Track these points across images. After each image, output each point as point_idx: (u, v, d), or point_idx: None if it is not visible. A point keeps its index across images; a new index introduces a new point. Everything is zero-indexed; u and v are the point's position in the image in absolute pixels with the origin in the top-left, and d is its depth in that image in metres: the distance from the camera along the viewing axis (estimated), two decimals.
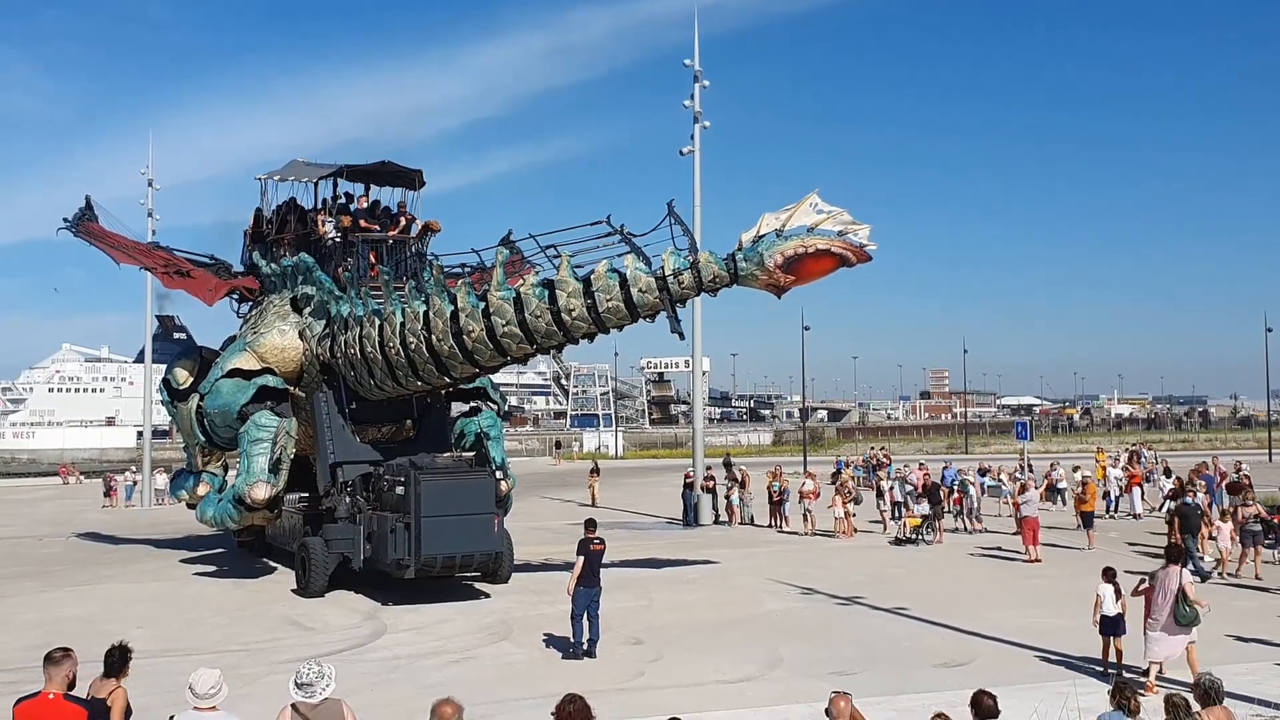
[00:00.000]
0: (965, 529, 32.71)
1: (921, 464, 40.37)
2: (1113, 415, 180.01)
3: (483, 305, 21.53)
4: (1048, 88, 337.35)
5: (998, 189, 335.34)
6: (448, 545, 21.67)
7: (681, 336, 21.34)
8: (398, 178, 28.51)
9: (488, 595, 22.85)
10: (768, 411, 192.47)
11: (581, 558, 17.27)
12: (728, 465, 39.20)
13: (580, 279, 20.75)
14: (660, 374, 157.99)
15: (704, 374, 49.30)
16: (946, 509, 32.68)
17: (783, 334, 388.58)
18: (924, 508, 31.16)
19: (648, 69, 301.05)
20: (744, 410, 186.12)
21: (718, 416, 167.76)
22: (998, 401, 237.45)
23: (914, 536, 30.40)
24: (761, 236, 19.64)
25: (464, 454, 24.53)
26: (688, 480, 37.26)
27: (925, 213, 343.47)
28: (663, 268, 20.25)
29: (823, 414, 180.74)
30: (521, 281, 21.60)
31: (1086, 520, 29.16)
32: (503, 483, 24.98)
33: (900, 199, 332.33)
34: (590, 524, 17.97)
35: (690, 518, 36.43)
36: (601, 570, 17.62)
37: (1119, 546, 28.58)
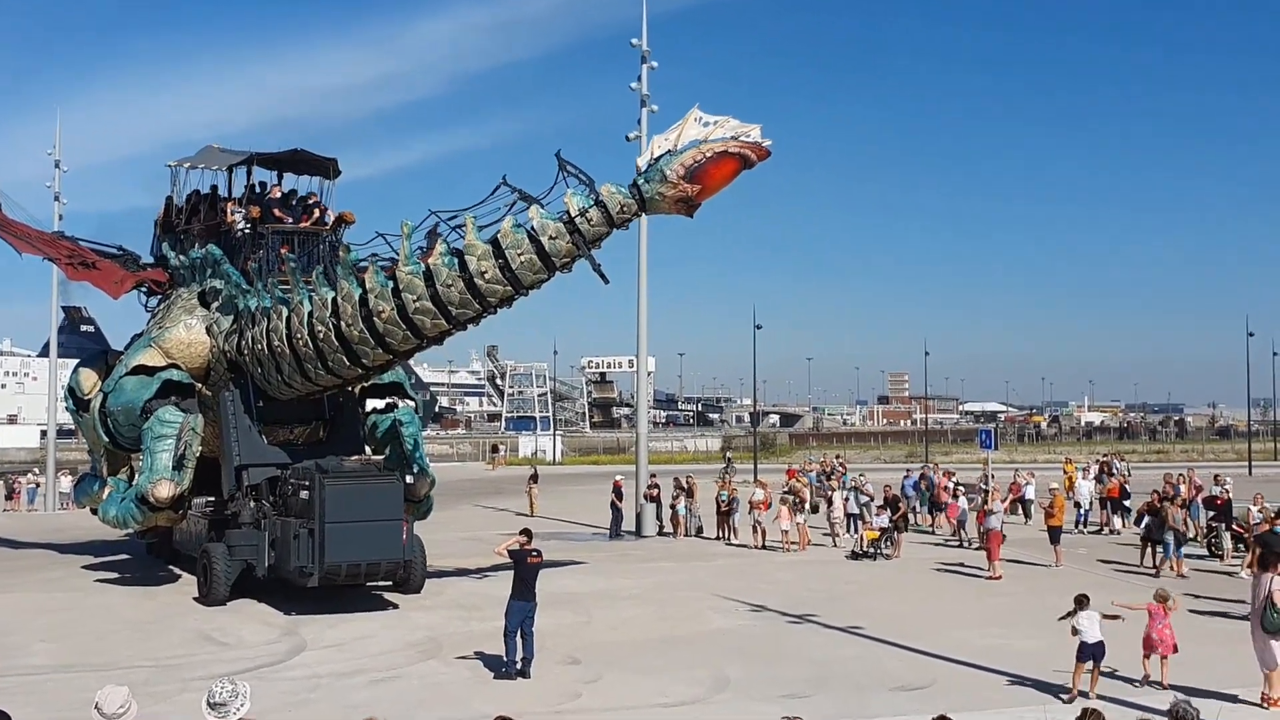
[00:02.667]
0: (964, 543, 32.67)
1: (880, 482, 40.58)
2: (1083, 423, 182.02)
3: (391, 284, 21.66)
4: (1021, 77, 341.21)
5: (962, 181, 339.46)
6: (353, 552, 21.94)
7: (605, 280, 21.77)
8: (311, 166, 28.50)
9: (396, 606, 22.99)
10: (716, 415, 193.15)
11: (516, 568, 17.33)
12: (728, 463, 39.18)
13: (488, 241, 21.14)
14: (602, 374, 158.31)
15: (649, 374, 49.40)
16: (912, 521, 32.93)
17: (733, 333, 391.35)
18: (883, 520, 31.43)
19: (595, 48, 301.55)
20: (691, 414, 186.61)
21: (663, 420, 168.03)
22: (961, 407, 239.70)
23: (872, 550, 30.65)
24: (657, 158, 20.49)
25: (373, 457, 24.66)
26: (617, 487, 37.39)
27: (885, 205, 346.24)
28: (568, 211, 20.76)
29: (774, 418, 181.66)
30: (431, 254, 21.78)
31: (1054, 536, 29.43)
32: (420, 481, 25.16)
33: (859, 190, 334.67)
34: (526, 534, 18.03)
35: (617, 529, 36.54)
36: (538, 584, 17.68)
37: (1089, 564, 28.97)
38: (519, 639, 17.04)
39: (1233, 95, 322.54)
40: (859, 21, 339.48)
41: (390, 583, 23.76)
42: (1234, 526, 29.73)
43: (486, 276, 21.01)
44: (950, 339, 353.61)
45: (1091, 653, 15.39)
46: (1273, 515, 26.95)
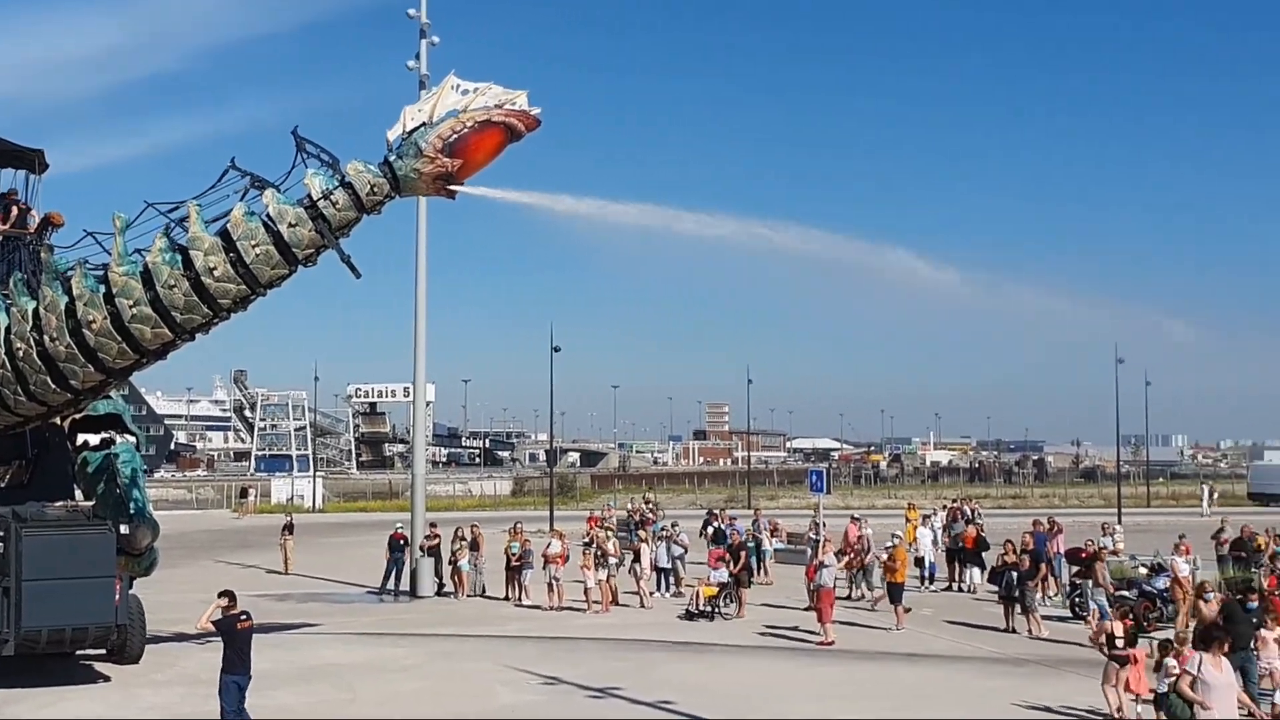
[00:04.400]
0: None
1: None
2: (928, 463, 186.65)
3: (104, 289, 21.02)
4: (858, 70, 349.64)
5: (786, 184, 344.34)
6: (56, 615, 21.44)
7: (357, 273, 21.58)
8: (11, 158, 27.44)
9: (108, 678, 22.48)
10: (506, 453, 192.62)
11: (224, 639, 17.21)
12: (649, 504, 38.72)
13: (216, 233, 20.79)
14: (372, 405, 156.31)
15: (427, 405, 49.01)
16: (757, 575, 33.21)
17: (527, 356, 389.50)
18: (721, 574, 31.65)
19: (368, 19, 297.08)
20: (477, 451, 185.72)
21: (444, 459, 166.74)
22: (789, 444, 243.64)
23: (709, 609, 30.89)
24: (411, 132, 20.52)
25: (82, 503, 23.92)
26: (396, 539, 37.02)
27: (701, 206, 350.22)
28: (309, 194, 20.57)
29: (574, 457, 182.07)
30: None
31: (894, 593, 29.88)
32: (139, 531, 24.31)
33: (667, 194, 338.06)
34: (228, 595, 17.81)
35: (392, 585, 36.26)
36: (253, 654, 17.48)
37: (934, 626, 29.66)
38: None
39: (1093, 107, 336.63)
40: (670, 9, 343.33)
41: (102, 650, 23.11)
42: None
43: (216, 274, 20.53)
44: (778, 365, 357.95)
45: None
46: (1016, 549, 28.56)
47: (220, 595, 17.82)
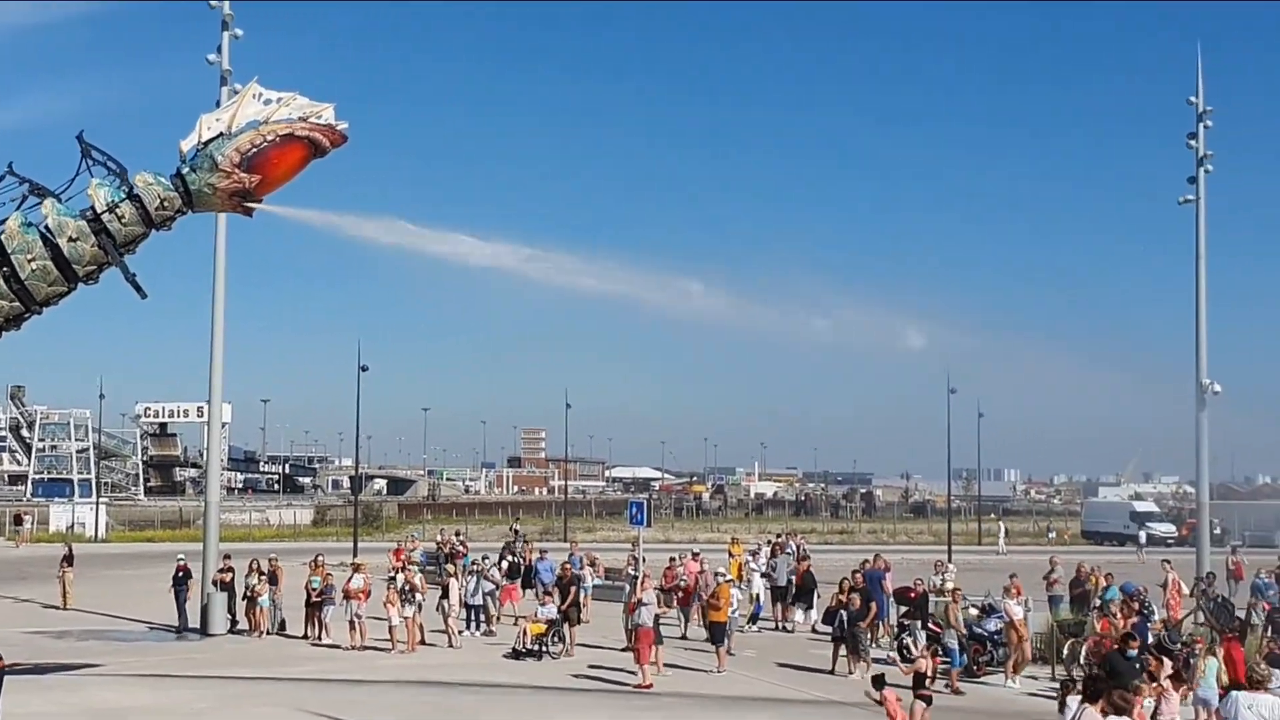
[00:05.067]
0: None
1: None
2: (752, 495, 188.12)
3: None
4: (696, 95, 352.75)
5: (609, 199, 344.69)
6: None
7: (142, 294, 21.26)
8: None
9: None
10: (308, 480, 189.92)
11: None
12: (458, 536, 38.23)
13: None
14: (162, 425, 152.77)
15: (223, 426, 48.18)
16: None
17: (332, 376, 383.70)
18: (550, 609, 31.56)
19: (167, 8, 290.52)
20: (276, 477, 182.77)
21: (240, 485, 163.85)
22: (608, 473, 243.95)
23: (537, 647, 30.85)
24: (207, 143, 20.20)
25: None
26: (181, 571, 36.36)
27: (514, 224, 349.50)
28: (93, 206, 20.14)
29: (381, 484, 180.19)
30: None
31: (716, 634, 29.99)
32: None
33: (480, 203, 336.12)
34: None
35: (185, 621, 35.63)
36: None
37: (761, 668, 29.89)
38: None
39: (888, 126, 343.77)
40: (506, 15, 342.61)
41: None
42: (931, 625, 31.18)
43: None
44: (598, 390, 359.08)
45: None
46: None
47: None
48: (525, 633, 31.33)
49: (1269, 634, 29.07)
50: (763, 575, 38.58)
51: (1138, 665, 19.86)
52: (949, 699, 25.71)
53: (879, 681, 18.97)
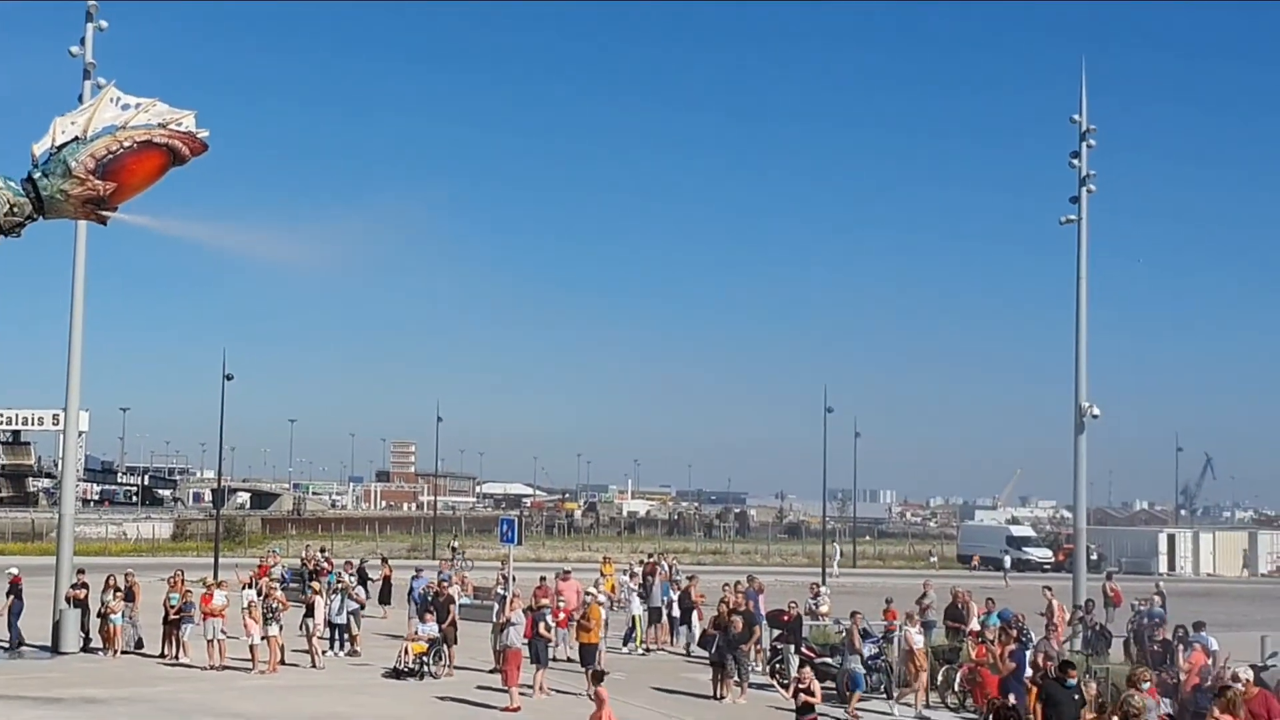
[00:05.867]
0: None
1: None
2: (625, 513, 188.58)
3: None
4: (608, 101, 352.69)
5: (481, 210, 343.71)
6: None
7: None
8: None
9: None
10: (168, 492, 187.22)
11: None
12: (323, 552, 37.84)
13: None
14: (15, 433, 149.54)
15: (80, 435, 47.24)
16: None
17: (195, 384, 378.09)
18: (430, 627, 31.33)
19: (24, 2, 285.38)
20: (134, 489, 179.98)
21: (97, 497, 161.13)
22: (479, 488, 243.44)
23: (417, 667, 30.74)
24: (60, 147, 20.01)
25: None
26: (16, 585, 35.57)
27: (390, 233, 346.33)
28: None
29: (244, 497, 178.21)
30: None
31: (586, 655, 29.92)
32: None
33: (353, 208, 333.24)
34: None
35: (16, 639, 34.72)
36: None
37: (633, 691, 29.76)
38: None
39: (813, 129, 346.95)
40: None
41: None
42: (805, 649, 31.25)
43: None
44: (469, 402, 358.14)
45: None
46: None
47: None
48: (407, 651, 31.15)
49: (1146, 659, 29.45)
50: (640, 596, 38.60)
51: (1076, 695, 19.67)
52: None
53: (599, 677, 20.45)
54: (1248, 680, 18.41)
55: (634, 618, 37.84)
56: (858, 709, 27.25)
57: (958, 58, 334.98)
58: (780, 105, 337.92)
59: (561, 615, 32.38)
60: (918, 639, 29.03)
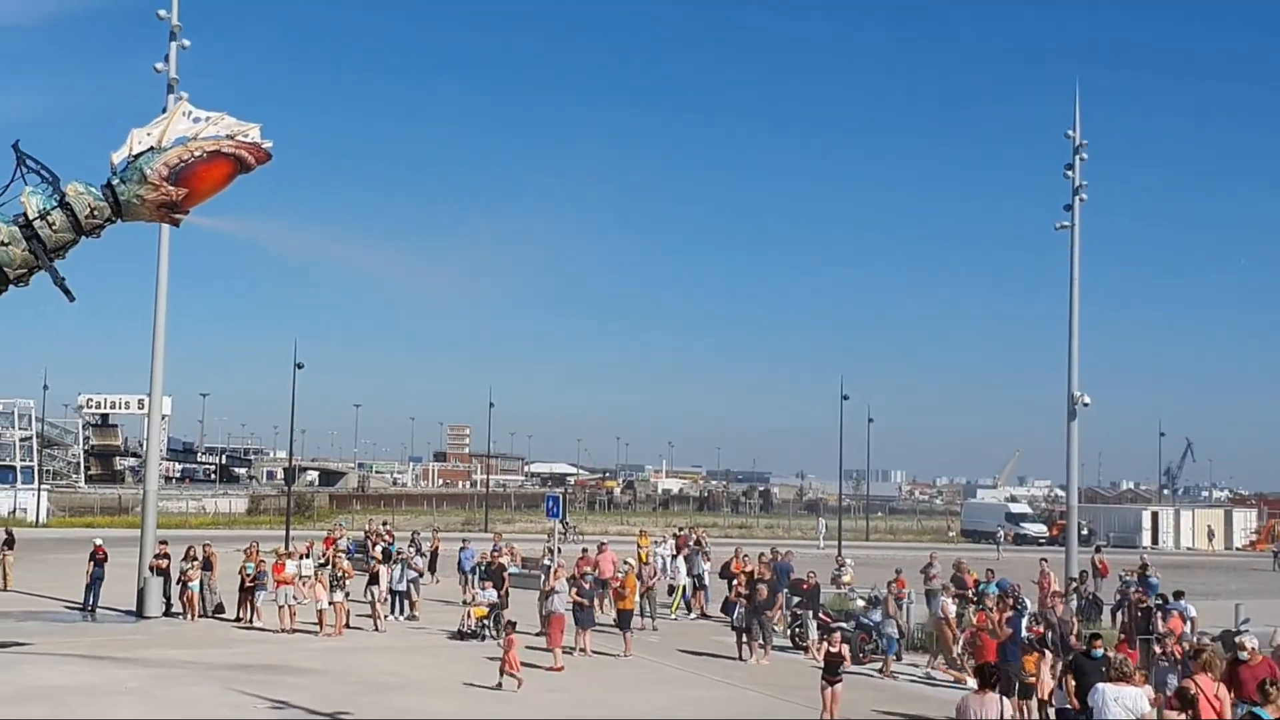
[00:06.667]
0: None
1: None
2: (660, 491, 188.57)
3: None
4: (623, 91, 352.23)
5: (531, 209, 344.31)
6: None
7: (70, 296, 21.08)
8: None
9: None
10: (243, 471, 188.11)
11: None
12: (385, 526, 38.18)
13: None
14: (104, 416, 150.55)
15: (163, 418, 47.58)
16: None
17: (269, 372, 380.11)
18: (490, 594, 31.74)
19: (119, 16, 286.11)
20: (213, 468, 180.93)
21: (178, 475, 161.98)
22: (527, 468, 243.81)
23: (479, 629, 31.06)
24: (137, 156, 20.23)
25: None
26: (98, 555, 36.17)
27: (447, 232, 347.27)
28: (24, 212, 20.07)
29: (313, 476, 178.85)
30: None
31: (624, 621, 30.28)
32: None
33: (415, 211, 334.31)
34: None
35: (93, 603, 35.39)
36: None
37: (663, 652, 29.94)
38: None
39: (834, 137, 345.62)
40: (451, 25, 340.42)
41: None
42: (822, 615, 31.37)
43: None
44: (519, 389, 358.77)
45: None
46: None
47: None
48: (469, 615, 31.51)
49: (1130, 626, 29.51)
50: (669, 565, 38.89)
51: (1103, 667, 19.41)
52: (877, 682, 26.51)
53: (511, 626, 24.25)
54: (1253, 648, 18.15)
55: (681, 586, 38.24)
56: (866, 670, 27.53)
57: (967, 73, 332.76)
58: (806, 115, 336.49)
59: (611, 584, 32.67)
60: (952, 608, 29.18)
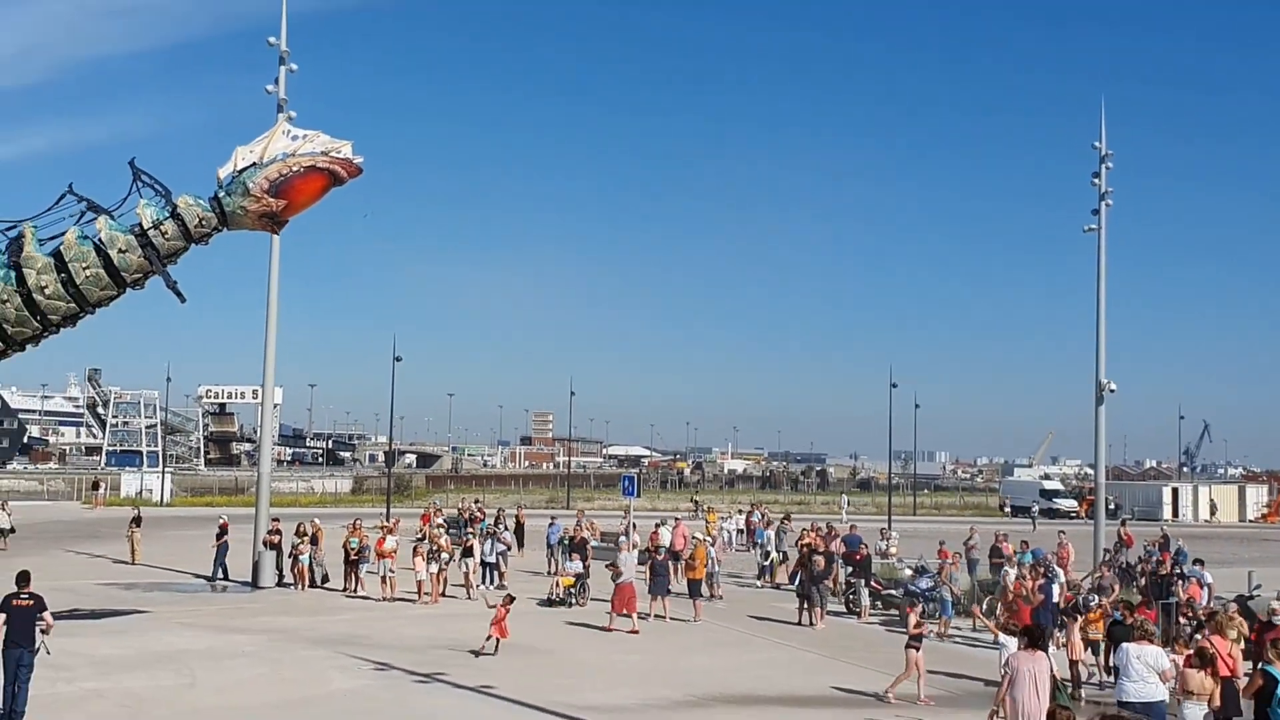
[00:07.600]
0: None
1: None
2: (725, 471, 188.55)
3: None
4: (668, 102, 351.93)
5: (608, 214, 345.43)
6: None
7: (182, 298, 21.36)
8: None
9: None
10: (348, 454, 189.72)
11: (2, 616, 16.93)
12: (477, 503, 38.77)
13: (49, 253, 20.53)
14: (221, 405, 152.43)
15: (275, 407, 48.01)
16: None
17: (370, 364, 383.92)
18: (576, 565, 32.15)
19: (227, 44, 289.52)
20: (320, 452, 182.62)
21: (289, 458, 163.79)
22: (605, 450, 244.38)
23: (565, 598, 31.38)
24: (241, 171, 20.50)
25: None
26: (222, 529, 36.95)
27: (531, 236, 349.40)
28: (140, 223, 20.40)
29: (411, 458, 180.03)
30: None
31: (694, 589, 30.43)
32: None
33: (502, 217, 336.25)
34: (21, 577, 17.56)
35: (221, 575, 35.91)
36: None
37: (731, 618, 29.95)
38: (14, 688, 16.76)
39: (891, 141, 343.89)
40: (512, 25, 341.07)
41: None
42: (873, 583, 31.32)
43: (47, 292, 20.37)
44: (597, 378, 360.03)
45: None
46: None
47: (18, 577, 17.61)
48: (558, 584, 31.92)
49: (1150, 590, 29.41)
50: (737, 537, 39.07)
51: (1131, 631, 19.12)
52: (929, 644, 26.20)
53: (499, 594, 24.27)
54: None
55: (771, 557, 38.85)
56: (943, 633, 27.60)
57: (1000, 90, 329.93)
58: (862, 125, 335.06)
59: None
60: (1012, 575, 29.01)
